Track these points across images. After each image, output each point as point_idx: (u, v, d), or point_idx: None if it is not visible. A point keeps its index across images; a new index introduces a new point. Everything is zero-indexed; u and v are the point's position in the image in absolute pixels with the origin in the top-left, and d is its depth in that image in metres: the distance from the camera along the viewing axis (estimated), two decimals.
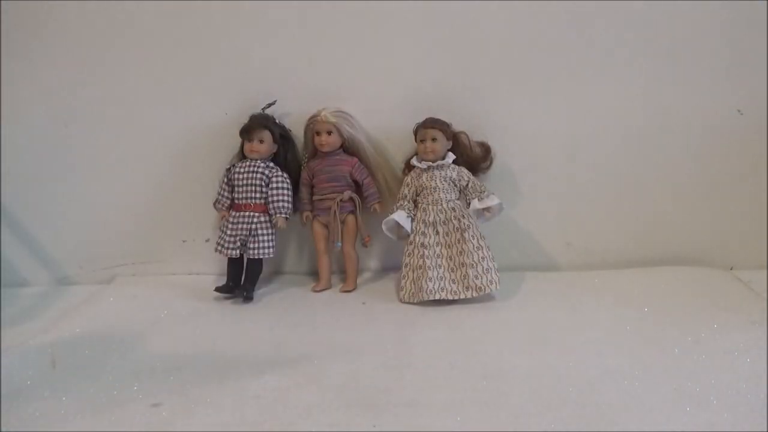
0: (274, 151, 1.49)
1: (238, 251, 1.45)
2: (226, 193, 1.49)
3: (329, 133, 1.46)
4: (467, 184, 1.44)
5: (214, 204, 1.51)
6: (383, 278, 1.57)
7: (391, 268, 1.60)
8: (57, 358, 1.18)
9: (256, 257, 1.45)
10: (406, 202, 1.44)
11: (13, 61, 1.52)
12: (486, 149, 1.49)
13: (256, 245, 1.44)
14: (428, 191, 1.42)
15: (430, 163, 1.43)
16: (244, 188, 1.46)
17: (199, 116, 1.54)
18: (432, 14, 1.46)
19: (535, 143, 1.52)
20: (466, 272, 1.37)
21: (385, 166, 1.53)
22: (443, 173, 1.43)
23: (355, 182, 1.51)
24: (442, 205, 1.41)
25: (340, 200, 1.48)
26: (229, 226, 1.46)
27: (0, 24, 1.50)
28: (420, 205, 1.44)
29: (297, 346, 1.20)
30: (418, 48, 1.49)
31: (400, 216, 1.43)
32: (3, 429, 0.96)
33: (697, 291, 1.39)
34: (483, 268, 1.36)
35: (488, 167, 1.49)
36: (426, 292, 1.36)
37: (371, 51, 1.50)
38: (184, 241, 1.62)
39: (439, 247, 1.40)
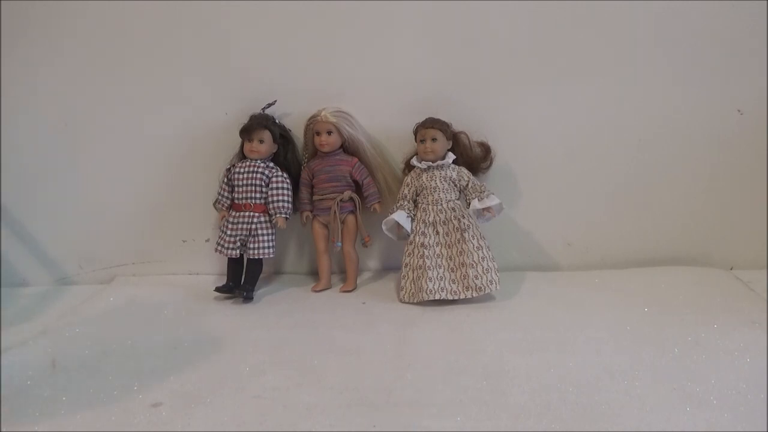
0: (274, 151, 1.49)
1: (238, 251, 1.45)
2: (226, 193, 1.49)
3: (329, 133, 1.46)
4: (467, 184, 1.44)
5: (214, 204, 1.51)
6: (383, 278, 1.57)
7: (391, 268, 1.60)
8: (57, 358, 1.18)
9: (256, 257, 1.45)
10: (406, 202, 1.44)
11: (13, 61, 1.52)
12: (486, 149, 1.49)
13: (256, 245, 1.44)
14: (428, 191, 1.42)
15: (430, 163, 1.43)
16: (244, 188, 1.46)
17: (199, 116, 1.54)
18: (432, 14, 1.46)
19: (535, 143, 1.52)
20: (466, 272, 1.37)
21: (385, 166, 1.53)
22: (443, 173, 1.43)
23: (355, 182, 1.51)
24: (442, 205, 1.41)
25: (340, 200, 1.48)
26: (229, 226, 1.46)
27: (0, 24, 1.50)
28: (420, 205, 1.44)
29: (297, 346, 1.20)
30: (418, 48, 1.49)
31: (400, 216, 1.43)
32: (3, 429, 0.96)
33: (697, 291, 1.39)
34: (483, 268, 1.36)
35: (488, 167, 1.50)
36: (426, 292, 1.36)
37: (371, 51, 1.50)
38: (184, 241, 1.62)
39: (439, 247, 1.40)
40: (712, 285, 1.43)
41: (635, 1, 1.44)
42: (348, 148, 1.50)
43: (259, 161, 1.47)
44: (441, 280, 1.38)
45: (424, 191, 1.43)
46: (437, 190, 1.42)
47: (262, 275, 1.50)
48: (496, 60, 1.48)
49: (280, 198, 1.46)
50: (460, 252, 1.38)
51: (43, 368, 1.15)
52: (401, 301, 1.41)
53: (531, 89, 1.50)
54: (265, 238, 1.45)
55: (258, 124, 1.45)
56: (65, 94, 1.54)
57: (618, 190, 1.55)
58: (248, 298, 1.44)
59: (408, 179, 1.46)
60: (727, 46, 1.45)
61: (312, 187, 1.51)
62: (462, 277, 1.37)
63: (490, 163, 1.49)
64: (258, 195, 1.46)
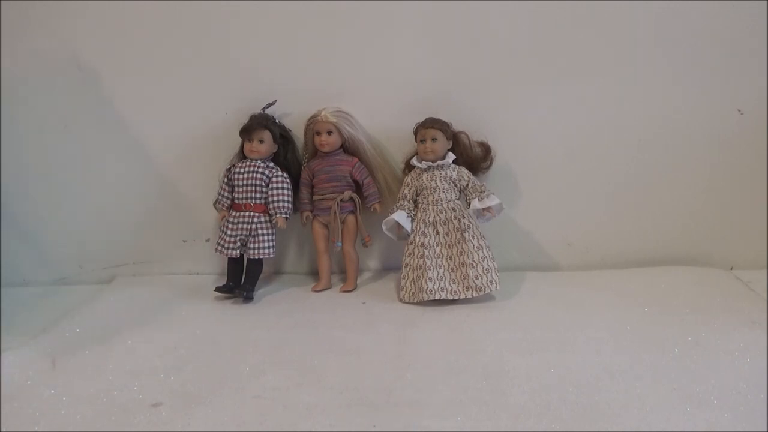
0: (274, 151, 1.49)
1: (238, 251, 1.45)
2: (226, 193, 1.49)
3: (329, 133, 1.46)
4: (467, 184, 1.44)
5: (214, 204, 1.51)
6: (383, 278, 1.57)
7: (391, 268, 1.60)
8: (57, 358, 1.18)
9: (256, 257, 1.45)
10: (406, 202, 1.44)
11: (13, 61, 1.52)
12: (486, 149, 1.49)
13: (256, 245, 1.44)
14: (428, 191, 1.42)
15: (430, 163, 1.43)
16: (244, 188, 1.46)
17: (199, 116, 1.54)
18: (432, 14, 1.46)
19: (535, 143, 1.52)
20: (466, 272, 1.37)
21: (385, 166, 1.53)
22: (443, 173, 1.43)
23: (355, 182, 1.51)
24: (442, 205, 1.41)
25: (341, 200, 1.48)
26: (229, 226, 1.46)
27: (0, 24, 1.50)
28: (420, 205, 1.44)
29: (297, 346, 1.20)
30: (418, 48, 1.49)
31: (400, 216, 1.43)
32: (3, 429, 0.96)
33: (697, 291, 1.39)
34: (483, 268, 1.36)
35: (488, 167, 1.50)
36: (426, 292, 1.36)
37: (371, 51, 1.50)
38: (184, 241, 1.62)
39: (439, 247, 1.40)
40: (712, 285, 1.43)
41: (635, 1, 1.44)
42: (348, 148, 1.50)
43: (259, 161, 1.47)
44: (441, 280, 1.38)
45: (424, 191, 1.43)
46: (437, 190, 1.42)
47: (262, 275, 1.50)
48: (496, 60, 1.48)
49: (280, 198, 1.46)
50: (460, 252, 1.38)
51: (43, 368, 1.15)
52: (401, 301, 1.41)
53: (531, 89, 1.50)
54: (266, 238, 1.45)
55: (258, 124, 1.45)
56: (65, 94, 1.54)
57: (618, 190, 1.55)
58: (248, 298, 1.44)
59: (408, 179, 1.46)
60: (727, 46, 1.45)
61: (312, 187, 1.51)
62: (462, 277, 1.37)
63: (490, 163, 1.49)
64: (258, 195, 1.46)
